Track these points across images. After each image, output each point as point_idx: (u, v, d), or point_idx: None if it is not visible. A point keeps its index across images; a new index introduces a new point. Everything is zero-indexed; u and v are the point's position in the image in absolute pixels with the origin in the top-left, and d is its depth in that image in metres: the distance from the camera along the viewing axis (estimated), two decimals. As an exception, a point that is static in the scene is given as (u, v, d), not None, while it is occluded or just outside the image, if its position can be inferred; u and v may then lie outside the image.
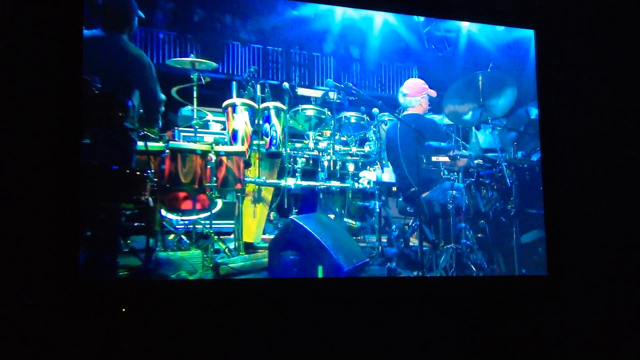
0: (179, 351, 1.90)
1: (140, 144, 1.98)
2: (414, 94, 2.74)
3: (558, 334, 2.34)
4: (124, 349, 1.82)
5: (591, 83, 2.55)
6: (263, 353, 1.99)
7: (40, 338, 1.75)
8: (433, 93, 2.71)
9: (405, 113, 2.75)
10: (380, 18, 2.62)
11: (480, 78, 2.54)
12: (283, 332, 2.02)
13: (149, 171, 1.99)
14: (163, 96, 2.15)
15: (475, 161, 2.50)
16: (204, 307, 1.95)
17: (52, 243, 1.72)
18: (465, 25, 2.66)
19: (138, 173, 1.94)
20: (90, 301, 1.76)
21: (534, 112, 2.43)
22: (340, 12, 2.52)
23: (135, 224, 1.97)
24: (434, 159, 2.50)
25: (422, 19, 2.73)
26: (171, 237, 2.21)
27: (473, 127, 2.69)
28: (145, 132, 2.03)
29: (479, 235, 2.36)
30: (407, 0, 2.27)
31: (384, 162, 2.69)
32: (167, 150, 2.14)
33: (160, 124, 2.14)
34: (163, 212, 2.14)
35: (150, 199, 1.96)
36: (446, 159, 2.49)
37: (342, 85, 2.65)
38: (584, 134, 2.50)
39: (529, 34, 2.42)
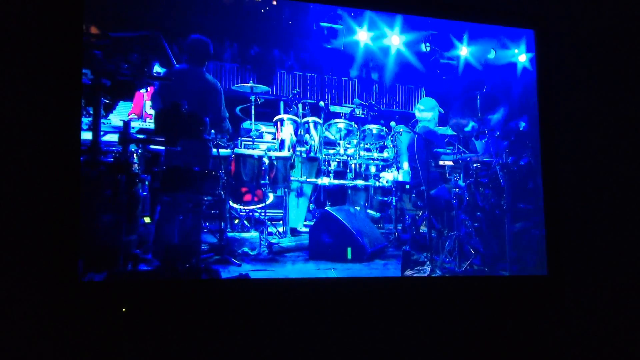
0: (179, 351, 1.76)
1: (214, 150, 2.25)
2: (428, 110, 2.83)
3: (558, 334, 2.16)
4: (124, 349, 1.69)
5: (590, 82, 2.36)
6: (263, 353, 1.84)
7: (40, 338, 1.61)
8: (441, 110, 2.81)
9: (419, 125, 2.82)
10: (394, 49, 2.75)
11: (478, 97, 2.59)
12: (283, 332, 1.87)
13: (220, 171, 2.24)
14: (227, 113, 2.38)
15: (475, 165, 2.52)
16: (203, 307, 1.81)
17: (53, 243, 1.62)
18: (463, 54, 2.75)
19: (213, 173, 2.20)
20: (90, 301, 1.66)
21: (522, 125, 2.48)
22: (362, 45, 2.70)
23: (212, 211, 2.21)
24: (440, 162, 2.60)
25: (428, 49, 2.80)
26: (236, 221, 2.45)
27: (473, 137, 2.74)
28: (217, 142, 2.29)
29: (476, 224, 2.42)
30: (408, 1, 2.19)
31: (399, 165, 2.82)
32: (233, 156, 2.40)
33: (228, 135, 2.39)
34: (230, 202, 2.39)
35: (222, 192, 2.22)
36: (450, 162, 2.58)
37: (366, 103, 2.82)
38: (583, 134, 2.32)
39: (514, 60, 2.47)
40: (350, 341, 1.93)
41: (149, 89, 2.23)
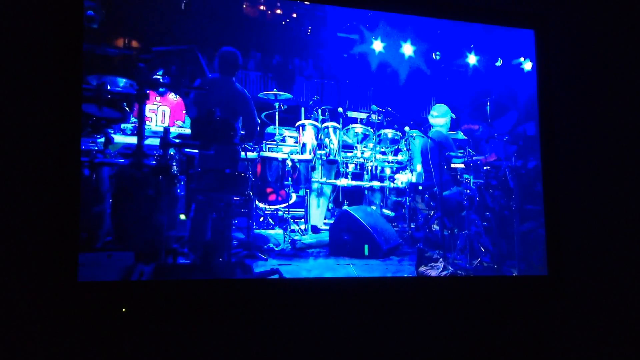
0: (178, 351, 1.75)
1: (242, 154, 2.42)
2: (441, 115, 2.96)
3: (558, 333, 2.16)
4: (124, 349, 1.68)
5: (591, 83, 2.36)
6: (262, 353, 1.83)
7: (40, 338, 1.60)
8: (453, 116, 2.94)
9: (432, 130, 2.94)
10: (407, 58, 2.85)
11: (487, 103, 2.73)
12: (282, 332, 1.86)
13: (248, 173, 2.41)
14: (259, 120, 2.55)
15: (485, 168, 2.61)
16: (203, 307, 1.81)
17: (53, 243, 1.61)
18: (471, 62, 2.85)
19: (242, 175, 2.36)
20: (90, 301, 1.65)
21: (529, 130, 2.53)
22: (377, 54, 2.84)
23: (241, 210, 2.37)
24: (452, 165, 2.73)
25: (439, 57, 2.90)
26: (261, 219, 2.60)
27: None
28: (245, 146, 2.45)
29: (486, 224, 2.49)
30: (408, 1, 2.19)
31: (412, 167, 2.94)
32: (259, 158, 2.56)
33: (254, 140, 2.55)
34: (256, 202, 2.55)
35: (250, 192, 2.39)
36: (462, 165, 2.70)
37: (382, 110, 2.93)
38: (583, 135, 2.32)
39: (521, 67, 2.57)
40: (342, 342, 1.95)
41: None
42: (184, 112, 2.54)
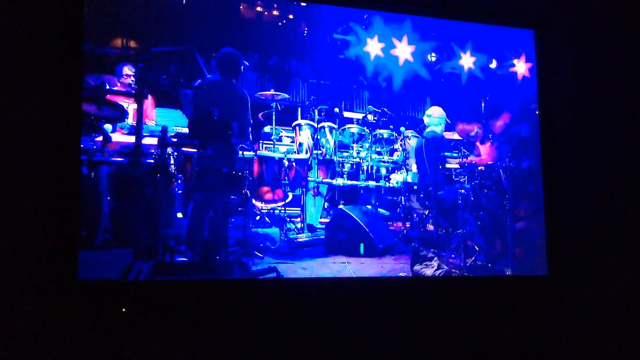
0: (179, 351, 1.76)
1: (240, 153, 2.45)
2: (436, 116, 2.97)
3: (558, 334, 2.16)
4: (124, 349, 1.69)
5: (591, 83, 2.37)
6: (261, 352, 1.84)
7: (40, 338, 1.61)
8: (449, 121, 2.94)
9: (427, 130, 2.97)
10: (402, 59, 2.85)
11: (482, 104, 2.75)
12: (281, 333, 1.88)
13: (245, 172, 2.44)
14: (251, 121, 2.60)
15: (479, 168, 2.66)
16: (203, 307, 1.82)
17: (52, 243, 1.62)
18: (466, 65, 2.86)
19: (240, 174, 2.39)
20: (90, 301, 1.65)
21: (523, 131, 2.62)
22: (373, 55, 2.83)
23: (238, 209, 2.39)
24: (447, 166, 2.76)
25: (434, 59, 2.91)
26: (257, 218, 2.60)
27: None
28: (242, 145, 2.48)
29: (480, 223, 2.54)
30: (408, 1, 2.19)
31: (408, 167, 2.97)
32: (256, 157, 2.59)
33: (251, 138, 2.59)
34: (253, 200, 2.56)
35: (247, 191, 2.42)
36: (457, 165, 2.73)
37: (379, 110, 2.96)
38: (583, 134, 2.33)
39: (515, 69, 2.60)
40: (341, 342, 1.96)
41: None
42: (154, 110, 2.55)
